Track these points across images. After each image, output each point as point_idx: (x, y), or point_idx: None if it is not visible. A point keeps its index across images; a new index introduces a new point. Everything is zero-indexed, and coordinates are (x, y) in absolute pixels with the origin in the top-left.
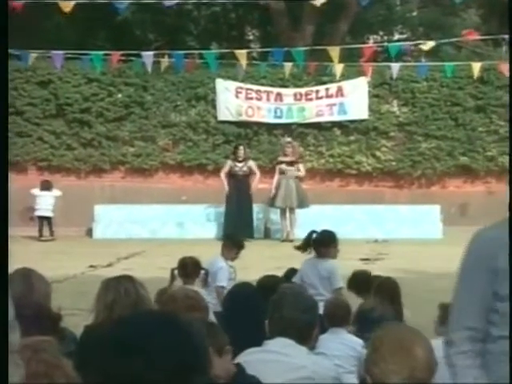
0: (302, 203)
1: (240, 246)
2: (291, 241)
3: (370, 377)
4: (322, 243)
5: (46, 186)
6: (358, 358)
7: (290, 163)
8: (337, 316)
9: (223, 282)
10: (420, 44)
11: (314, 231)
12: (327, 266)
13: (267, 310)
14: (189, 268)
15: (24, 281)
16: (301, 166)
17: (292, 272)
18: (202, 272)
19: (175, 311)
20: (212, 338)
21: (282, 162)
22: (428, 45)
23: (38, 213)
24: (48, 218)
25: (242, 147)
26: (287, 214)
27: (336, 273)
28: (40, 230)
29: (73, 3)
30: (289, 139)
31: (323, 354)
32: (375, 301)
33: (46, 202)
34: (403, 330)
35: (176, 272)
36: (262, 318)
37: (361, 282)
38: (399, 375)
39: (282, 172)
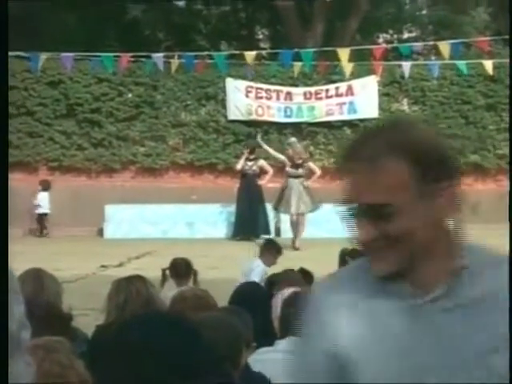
0: (313, 206)
1: (279, 252)
2: (297, 249)
3: None
4: None
5: (46, 187)
6: None
7: (297, 165)
8: None
9: None
10: (430, 43)
11: None
12: None
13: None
14: (180, 269)
15: (35, 281)
16: (312, 165)
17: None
18: (193, 273)
19: (184, 311)
20: (245, 330)
21: (287, 162)
22: (443, 47)
23: (41, 210)
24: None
25: (246, 149)
26: (295, 220)
27: None
28: (42, 227)
29: None
30: (292, 139)
31: None
32: None
33: (45, 201)
34: None
35: (168, 272)
36: (269, 316)
37: None
38: None
39: (288, 175)
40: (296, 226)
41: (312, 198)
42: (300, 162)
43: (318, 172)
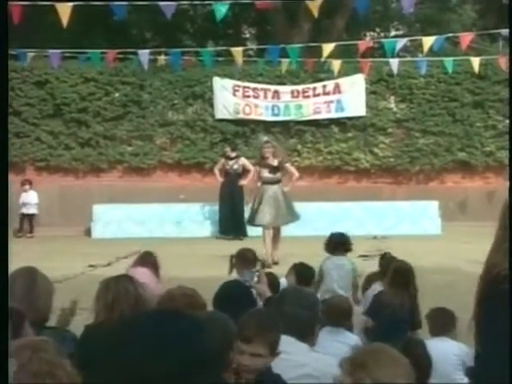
0: (292, 217)
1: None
2: (276, 263)
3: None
4: None
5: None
6: None
7: (273, 169)
8: (338, 315)
9: None
10: (417, 40)
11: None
12: None
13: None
14: (247, 256)
15: (27, 278)
16: (289, 167)
17: (302, 267)
18: (258, 264)
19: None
20: (270, 333)
21: (262, 166)
22: (427, 41)
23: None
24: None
25: (227, 146)
26: (271, 232)
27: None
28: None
29: (70, 7)
30: (266, 138)
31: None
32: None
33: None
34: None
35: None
36: None
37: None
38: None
39: (264, 181)
40: (271, 240)
41: (291, 207)
42: (276, 164)
43: (296, 174)
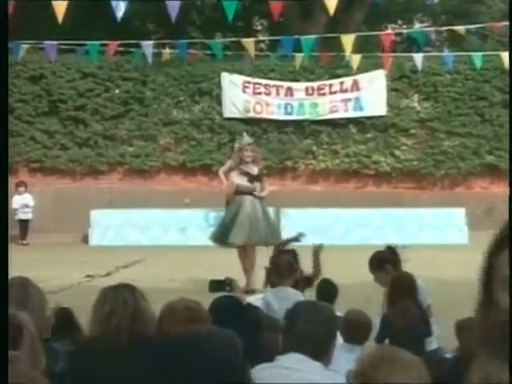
0: (274, 235)
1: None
2: (252, 291)
3: None
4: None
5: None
6: None
7: (252, 178)
8: (356, 332)
9: None
10: (442, 33)
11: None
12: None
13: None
14: (282, 268)
15: (20, 290)
16: (265, 182)
17: (325, 283)
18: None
19: (174, 324)
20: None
21: (240, 172)
22: (460, 30)
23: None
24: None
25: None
26: (249, 252)
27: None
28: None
29: (66, 3)
30: (249, 140)
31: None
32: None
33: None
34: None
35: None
36: (251, 333)
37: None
38: None
39: (240, 190)
40: (245, 261)
41: (271, 224)
42: (256, 172)
43: (268, 191)
